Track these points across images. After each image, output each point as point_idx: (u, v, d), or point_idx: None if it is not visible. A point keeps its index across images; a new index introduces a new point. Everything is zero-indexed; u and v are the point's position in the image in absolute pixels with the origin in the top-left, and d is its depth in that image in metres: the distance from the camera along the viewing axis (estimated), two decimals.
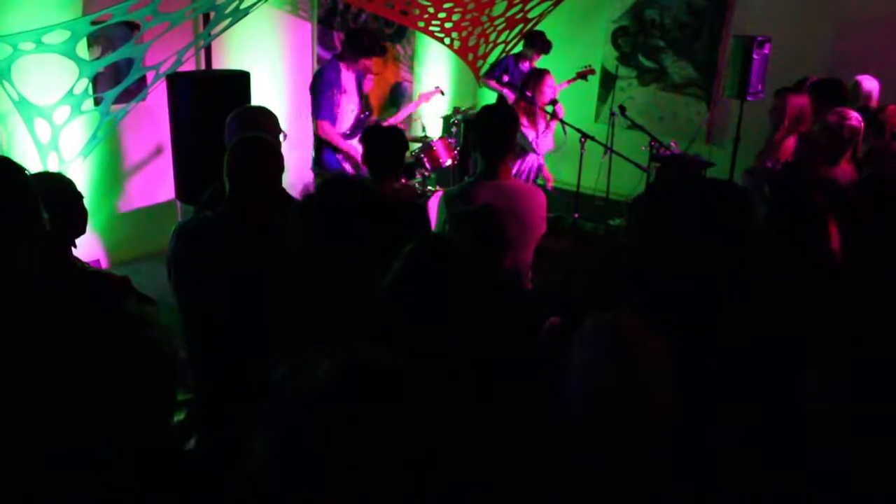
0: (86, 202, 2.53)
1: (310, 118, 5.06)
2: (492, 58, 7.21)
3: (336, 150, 4.88)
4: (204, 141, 4.00)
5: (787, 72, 5.49)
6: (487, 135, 3.18)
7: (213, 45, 5.46)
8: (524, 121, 4.98)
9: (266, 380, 1.07)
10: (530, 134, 5.01)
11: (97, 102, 4.60)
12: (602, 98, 8.08)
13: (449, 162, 6.24)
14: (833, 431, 1.47)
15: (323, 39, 6.79)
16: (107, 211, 5.43)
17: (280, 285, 2.17)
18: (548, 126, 5.14)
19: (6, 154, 4.38)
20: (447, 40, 6.77)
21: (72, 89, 4.34)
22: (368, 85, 5.60)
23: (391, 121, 5.89)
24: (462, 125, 7.28)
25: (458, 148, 6.57)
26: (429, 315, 1.93)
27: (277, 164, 2.55)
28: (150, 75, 4.66)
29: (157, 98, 4.91)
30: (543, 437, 1.63)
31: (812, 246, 2.47)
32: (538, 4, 6.87)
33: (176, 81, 4.60)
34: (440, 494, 1.03)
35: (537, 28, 7.08)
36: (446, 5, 6.30)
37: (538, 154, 5.15)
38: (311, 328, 1.96)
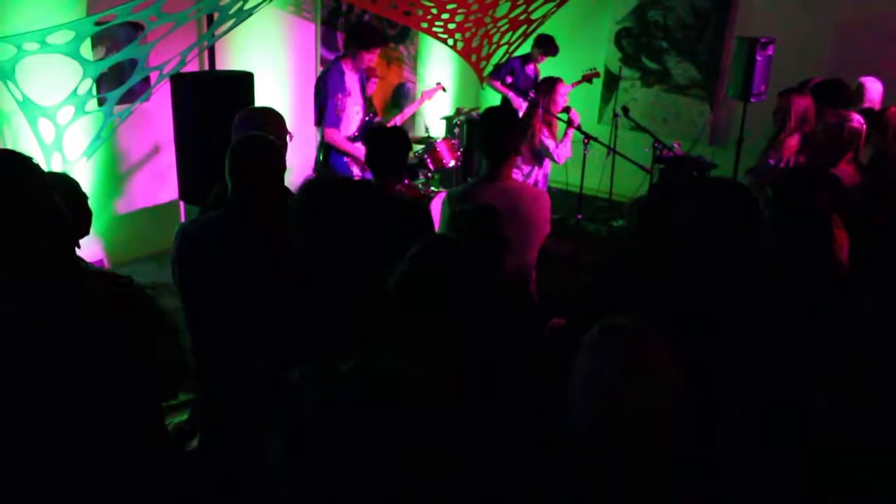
0: (89, 202, 2.53)
1: (313, 122, 5.05)
2: (495, 59, 7.21)
3: (344, 153, 4.88)
4: (207, 141, 4.01)
5: (790, 73, 5.47)
6: (491, 136, 3.19)
7: (217, 45, 5.47)
8: (545, 131, 4.94)
9: (271, 381, 1.07)
10: (550, 144, 4.96)
11: (101, 103, 4.62)
12: (605, 99, 8.08)
13: (452, 163, 6.24)
14: (835, 440, 1.47)
15: (326, 40, 6.79)
16: (110, 211, 5.44)
17: (283, 285, 2.17)
18: (566, 135, 5.10)
19: None
20: (450, 41, 6.77)
21: (76, 90, 4.35)
22: (372, 88, 5.60)
23: (395, 121, 5.90)
24: (465, 126, 7.28)
25: (461, 149, 6.57)
26: (432, 316, 1.93)
27: (279, 163, 2.54)
28: (153, 76, 4.67)
29: (161, 99, 4.92)
30: (543, 438, 1.62)
31: (815, 248, 2.47)
32: (542, 5, 6.86)
33: (179, 82, 4.61)
34: (441, 494, 1.04)
35: (540, 30, 7.09)
36: (450, 6, 6.29)
37: (559, 163, 5.11)
38: (313, 329, 1.96)
